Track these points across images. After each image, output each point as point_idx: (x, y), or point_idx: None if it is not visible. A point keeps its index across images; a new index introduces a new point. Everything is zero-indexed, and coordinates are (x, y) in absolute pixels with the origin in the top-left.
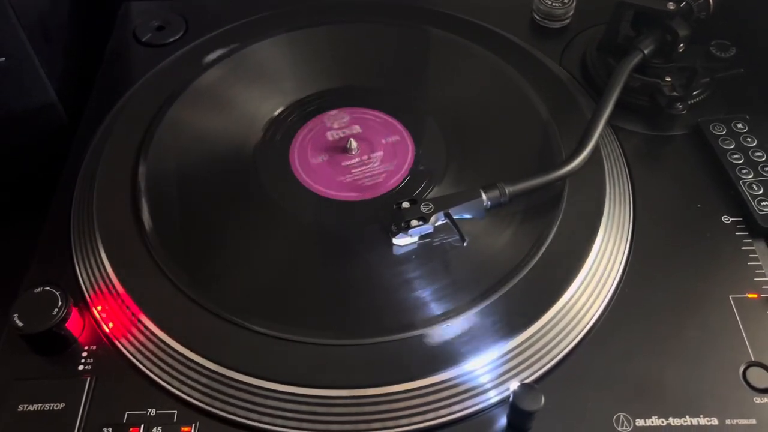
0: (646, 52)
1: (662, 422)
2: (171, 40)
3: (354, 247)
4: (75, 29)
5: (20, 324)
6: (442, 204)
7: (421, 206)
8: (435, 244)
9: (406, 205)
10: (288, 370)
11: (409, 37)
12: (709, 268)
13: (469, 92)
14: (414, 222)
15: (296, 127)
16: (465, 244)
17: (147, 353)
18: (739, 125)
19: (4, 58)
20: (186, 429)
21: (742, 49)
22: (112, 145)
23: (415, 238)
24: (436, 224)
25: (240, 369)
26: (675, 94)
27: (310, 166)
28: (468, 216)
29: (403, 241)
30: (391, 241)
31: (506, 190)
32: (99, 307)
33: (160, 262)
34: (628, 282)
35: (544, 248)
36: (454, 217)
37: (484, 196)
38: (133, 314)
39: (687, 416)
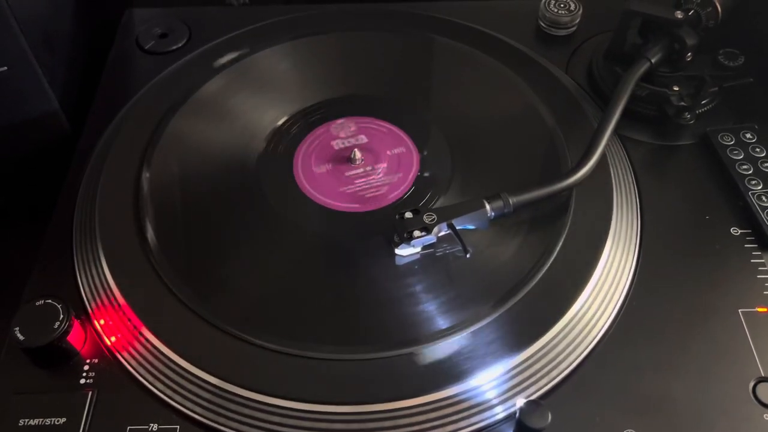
0: (653, 60)
1: None
2: (174, 47)
3: (358, 260)
4: (78, 37)
5: (21, 337)
6: (445, 214)
7: (424, 216)
8: (438, 254)
9: (408, 215)
10: (290, 385)
11: (414, 46)
12: (718, 281)
13: (475, 101)
14: (417, 232)
15: (300, 137)
16: (468, 256)
17: (149, 367)
18: (748, 135)
19: (6, 67)
20: None
21: (751, 57)
22: (114, 154)
23: (418, 249)
24: (439, 235)
25: (243, 384)
26: (683, 103)
27: (313, 177)
28: (471, 227)
29: (405, 252)
30: (395, 253)
31: (510, 201)
32: (101, 320)
33: (163, 274)
34: (636, 295)
35: (550, 261)
36: (458, 228)
37: (487, 207)
38: (135, 327)
39: None
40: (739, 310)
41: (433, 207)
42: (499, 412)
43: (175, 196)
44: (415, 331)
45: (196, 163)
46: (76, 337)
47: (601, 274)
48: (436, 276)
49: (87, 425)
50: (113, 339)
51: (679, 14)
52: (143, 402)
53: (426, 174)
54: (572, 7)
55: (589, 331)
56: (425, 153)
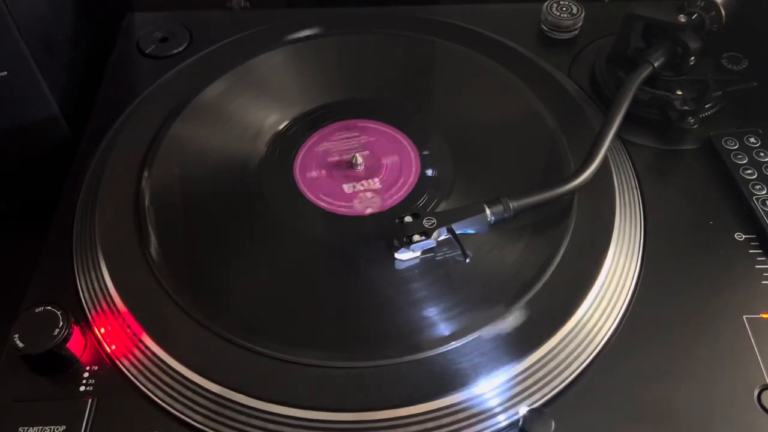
0: (656, 64)
1: None
2: (175, 51)
3: (360, 265)
4: (78, 41)
5: (21, 344)
6: (445, 219)
7: (424, 221)
8: (438, 259)
9: (408, 219)
10: (291, 392)
11: (416, 49)
12: (722, 287)
13: (477, 104)
14: (416, 236)
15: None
16: (467, 261)
17: (149, 374)
18: (752, 139)
19: (6, 72)
20: None
21: (755, 61)
22: (115, 159)
23: (418, 253)
24: (439, 239)
25: (243, 391)
26: (686, 107)
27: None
28: (472, 231)
29: (405, 256)
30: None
31: (510, 205)
32: (101, 327)
33: (163, 281)
34: (639, 301)
35: (553, 266)
36: (458, 233)
37: (487, 211)
38: (134, 334)
39: None
40: (744, 317)
41: (434, 211)
42: (502, 420)
43: (176, 202)
44: (417, 338)
45: (197, 168)
46: (75, 344)
47: (605, 279)
48: (437, 282)
49: None
50: (113, 346)
51: (682, 18)
52: (143, 409)
53: (428, 177)
54: (574, 10)
55: (593, 338)
56: (427, 156)
